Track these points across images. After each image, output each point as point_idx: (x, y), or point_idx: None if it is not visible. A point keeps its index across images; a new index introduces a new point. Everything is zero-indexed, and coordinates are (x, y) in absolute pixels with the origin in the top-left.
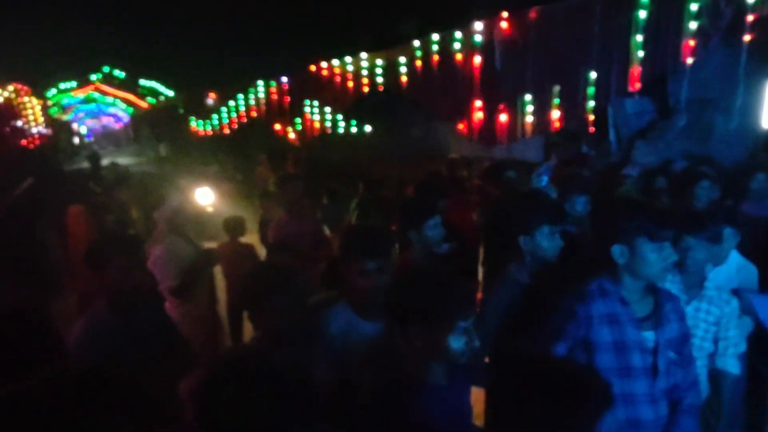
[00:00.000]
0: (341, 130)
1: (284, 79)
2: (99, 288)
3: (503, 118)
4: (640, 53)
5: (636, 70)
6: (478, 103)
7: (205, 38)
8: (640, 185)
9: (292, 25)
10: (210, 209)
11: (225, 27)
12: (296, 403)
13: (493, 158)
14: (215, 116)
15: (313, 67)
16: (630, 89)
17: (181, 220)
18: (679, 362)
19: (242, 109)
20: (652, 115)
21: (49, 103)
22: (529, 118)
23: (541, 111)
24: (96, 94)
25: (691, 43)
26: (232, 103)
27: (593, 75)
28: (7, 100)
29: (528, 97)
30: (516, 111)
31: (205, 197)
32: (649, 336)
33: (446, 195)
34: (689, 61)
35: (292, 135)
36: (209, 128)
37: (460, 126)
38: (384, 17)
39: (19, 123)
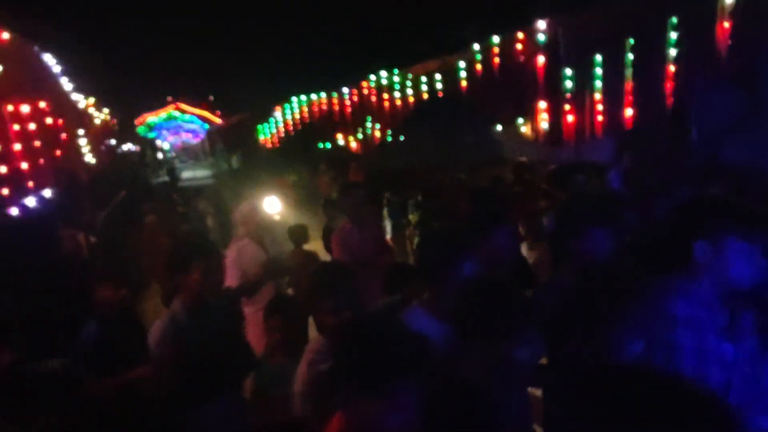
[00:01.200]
0: (401, 138)
1: (345, 90)
2: (178, 290)
3: (570, 118)
4: (726, 41)
5: (722, 59)
6: (543, 104)
7: (272, 54)
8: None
9: (353, 38)
10: (277, 217)
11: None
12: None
13: (559, 161)
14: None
15: (373, 77)
16: (715, 81)
17: (252, 226)
18: (754, 380)
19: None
20: (742, 110)
21: (137, 122)
22: (600, 117)
23: (613, 109)
24: (176, 113)
25: None
26: (295, 114)
27: (672, 68)
28: (103, 122)
29: (597, 95)
30: (584, 110)
31: (272, 206)
32: (727, 348)
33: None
34: None
35: (353, 144)
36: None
37: (524, 128)
38: (443, 24)
39: (113, 142)
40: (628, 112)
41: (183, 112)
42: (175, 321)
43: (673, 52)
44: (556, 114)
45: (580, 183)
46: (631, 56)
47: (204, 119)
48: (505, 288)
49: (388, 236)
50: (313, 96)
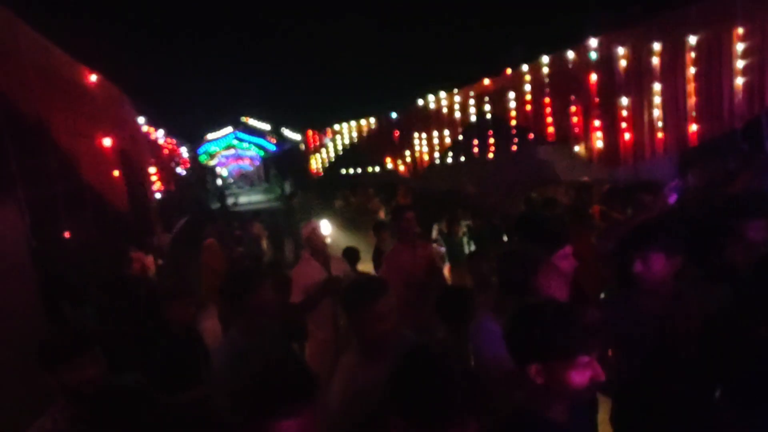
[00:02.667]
0: (450, 161)
1: (393, 114)
2: (238, 312)
3: (627, 136)
4: None
5: None
6: (597, 123)
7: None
8: None
9: (401, 62)
10: (328, 239)
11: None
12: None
13: (614, 180)
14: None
15: (420, 101)
16: None
17: (314, 245)
18: None
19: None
20: None
21: (199, 151)
22: (660, 134)
23: (675, 125)
24: (235, 142)
25: None
26: (345, 140)
27: (740, 80)
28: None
29: (657, 112)
30: (643, 128)
31: (323, 229)
32: None
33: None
34: None
35: (401, 167)
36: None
37: (578, 148)
38: (492, 45)
39: (178, 170)
40: (693, 128)
41: (241, 141)
42: (234, 346)
43: (740, 63)
44: (611, 132)
45: (642, 202)
46: (693, 69)
47: (260, 147)
48: (564, 309)
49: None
50: (363, 121)
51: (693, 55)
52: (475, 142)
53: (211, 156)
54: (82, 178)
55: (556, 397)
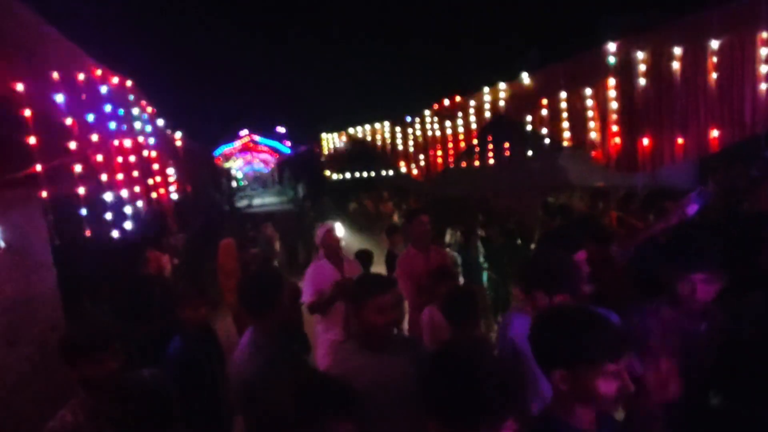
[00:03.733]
0: (464, 164)
1: (408, 118)
2: (253, 317)
3: (645, 141)
4: None
5: None
6: (615, 128)
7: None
8: None
9: (416, 66)
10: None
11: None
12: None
13: (631, 187)
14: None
15: (435, 106)
16: None
17: (327, 247)
18: None
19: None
20: None
21: (215, 153)
22: (680, 140)
23: (696, 131)
24: (250, 144)
25: None
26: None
27: (764, 86)
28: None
29: (677, 116)
30: (662, 133)
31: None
32: None
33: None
34: None
35: (415, 171)
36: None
37: (594, 153)
38: (506, 49)
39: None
40: (714, 133)
41: (256, 144)
42: (260, 351)
43: (764, 68)
44: (629, 137)
45: (663, 210)
46: (715, 75)
47: (274, 149)
48: (586, 314)
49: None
50: (377, 125)
51: (715, 59)
52: (490, 147)
53: (226, 158)
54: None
55: (581, 404)
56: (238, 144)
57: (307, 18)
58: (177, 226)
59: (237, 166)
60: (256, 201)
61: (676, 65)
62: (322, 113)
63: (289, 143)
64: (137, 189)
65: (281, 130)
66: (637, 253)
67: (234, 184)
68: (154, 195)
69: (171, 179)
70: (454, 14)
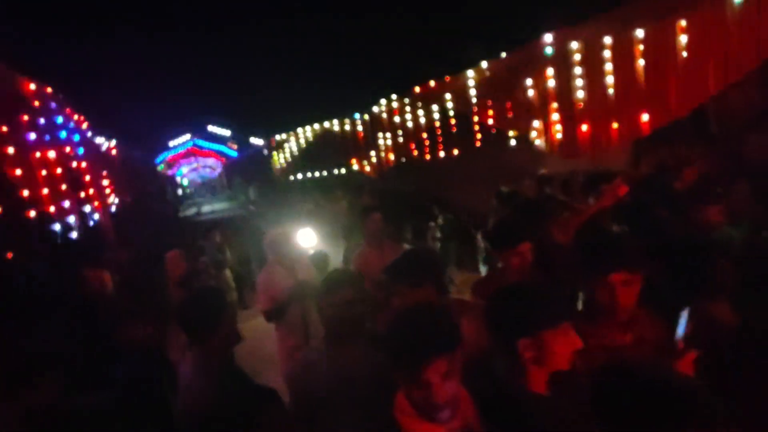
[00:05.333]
0: (416, 158)
1: (357, 115)
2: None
3: (584, 128)
4: (740, 37)
5: (735, 58)
6: (556, 116)
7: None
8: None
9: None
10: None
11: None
12: None
13: (572, 172)
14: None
15: (384, 101)
16: (731, 80)
17: (279, 252)
18: None
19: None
20: (765, 104)
21: (157, 161)
22: (614, 125)
23: (628, 116)
24: (194, 150)
25: None
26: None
27: (685, 71)
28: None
29: (611, 102)
30: (598, 119)
31: (307, 239)
32: None
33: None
34: None
35: (367, 167)
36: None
37: (538, 141)
38: (450, 44)
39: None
40: (644, 117)
41: (200, 148)
42: (211, 379)
43: (684, 54)
44: (569, 124)
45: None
46: (642, 62)
47: (221, 153)
48: (538, 285)
49: None
50: (326, 123)
51: (641, 47)
52: (439, 140)
53: (170, 165)
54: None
55: (540, 368)
56: (181, 150)
57: (251, 19)
58: (118, 239)
59: (182, 173)
60: (205, 208)
61: (607, 54)
62: (270, 114)
63: (236, 146)
64: (66, 203)
65: (227, 133)
66: (575, 239)
67: (180, 191)
68: (87, 208)
69: (107, 191)
70: (400, 12)
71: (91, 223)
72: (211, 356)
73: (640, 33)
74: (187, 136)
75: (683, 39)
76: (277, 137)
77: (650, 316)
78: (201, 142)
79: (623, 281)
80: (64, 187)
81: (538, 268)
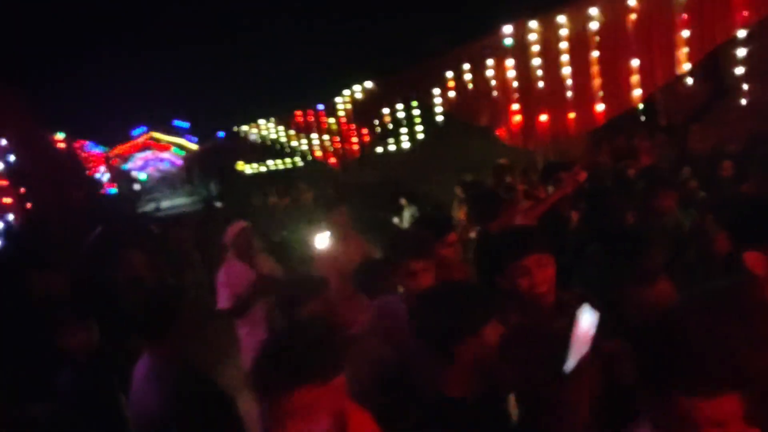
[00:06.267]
0: (380, 150)
1: (320, 106)
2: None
3: (543, 118)
4: (685, 33)
5: (682, 50)
6: (516, 106)
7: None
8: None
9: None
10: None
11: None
12: None
13: (531, 161)
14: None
15: (347, 91)
16: (678, 72)
17: (240, 246)
18: None
19: (283, 138)
20: (708, 97)
21: (110, 154)
22: (571, 115)
23: (584, 106)
24: (150, 143)
25: (742, 15)
26: (272, 134)
27: (636, 62)
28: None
29: (569, 93)
30: (556, 109)
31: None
32: None
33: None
34: (741, 35)
35: (332, 159)
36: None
37: (499, 131)
38: (413, 34)
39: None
40: (599, 107)
41: (158, 141)
42: (166, 382)
43: (635, 46)
44: (528, 114)
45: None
46: (596, 53)
47: (179, 147)
48: (462, 285)
49: None
50: (289, 113)
51: (596, 39)
52: (404, 130)
53: (125, 160)
54: None
55: (476, 371)
56: (137, 141)
57: (210, 8)
58: (66, 238)
59: (138, 167)
60: (165, 203)
61: (563, 45)
62: (232, 105)
63: (197, 138)
64: (7, 200)
65: (187, 124)
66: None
67: (137, 186)
68: (29, 205)
69: (56, 187)
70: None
71: (39, 222)
72: (166, 360)
73: (594, 26)
74: (144, 128)
75: (634, 33)
76: (240, 129)
77: (587, 299)
78: (159, 135)
79: (537, 263)
80: (3, 182)
81: None
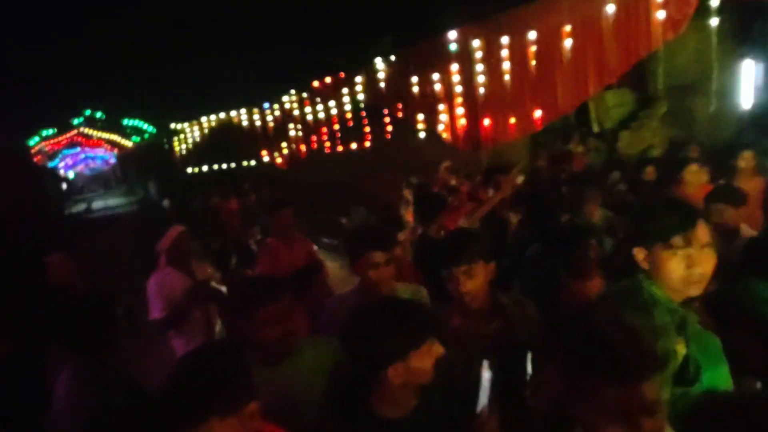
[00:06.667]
0: (327, 151)
1: (266, 105)
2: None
3: (486, 122)
4: (613, 46)
5: (610, 63)
6: (460, 110)
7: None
8: (627, 177)
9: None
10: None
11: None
12: None
13: (473, 163)
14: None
15: (293, 92)
16: (607, 82)
17: (175, 252)
18: None
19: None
20: (634, 106)
21: (33, 151)
22: (512, 120)
23: (523, 112)
24: (80, 139)
25: (661, 31)
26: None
27: (569, 72)
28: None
29: (508, 98)
30: (497, 114)
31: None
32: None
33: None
34: (661, 49)
35: (279, 159)
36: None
37: (444, 134)
38: (360, 36)
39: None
40: (537, 113)
41: (88, 137)
42: (91, 393)
43: (568, 57)
44: (472, 118)
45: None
46: (534, 62)
47: (113, 143)
48: (395, 301)
49: None
50: (233, 112)
51: (533, 48)
52: (351, 131)
53: (51, 157)
54: None
55: (406, 389)
56: (63, 138)
57: (152, 3)
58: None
59: (66, 165)
60: (97, 204)
61: (504, 53)
62: (170, 101)
63: (132, 135)
64: None
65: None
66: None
67: (64, 185)
68: None
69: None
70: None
71: None
72: (93, 371)
73: (532, 35)
74: (72, 123)
75: (568, 43)
76: (178, 126)
77: (521, 302)
78: (89, 131)
79: (466, 273)
80: None
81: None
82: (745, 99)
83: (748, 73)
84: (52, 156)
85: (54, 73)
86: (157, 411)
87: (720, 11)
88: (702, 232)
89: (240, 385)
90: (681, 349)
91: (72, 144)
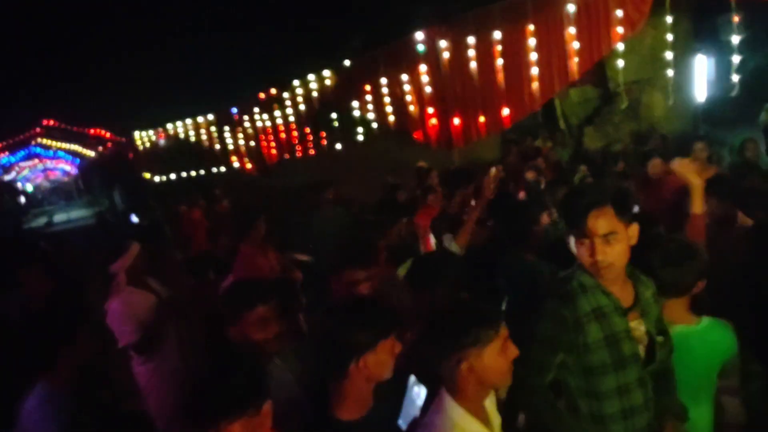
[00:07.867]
0: (299, 155)
1: (234, 109)
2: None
3: (456, 121)
4: (575, 44)
5: (573, 61)
6: (430, 110)
7: (147, 76)
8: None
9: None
10: None
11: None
12: None
13: (451, 163)
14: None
15: (262, 95)
16: (571, 80)
17: (137, 270)
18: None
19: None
20: (597, 102)
21: None
22: (482, 119)
23: (492, 110)
24: (38, 149)
25: (620, 30)
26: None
27: (535, 70)
28: None
29: (477, 98)
30: (467, 113)
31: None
32: (635, 324)
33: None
34: (620, 47)
35: (249, 165)
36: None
37: (417, 134)
38: (329, 37)
39: None
40: (505, 111)
41: (47, 147)
42: (62, 411)
43: (534, 55)
44: (443, 117)
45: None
46: (501, 61)
47: (74, 153)
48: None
49: None
50: (200, 119)
51: (499, 48)
52: (323, 134)
53: (6, 169)
54: None
55: (371, 382)
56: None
57: (116, 11)
58: None
59: (22, 177)
60: (59, 217)
61: (471, 53)
62: (132, 108)
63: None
64: None
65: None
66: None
67: (23, 199)
68: None
69: None
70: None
71: None
72: (60, 389)
73: (497, 34)
74: (28, 133)
75: (532, 42)
76: (143, 133)
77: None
78: (48, 141)
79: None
80: None
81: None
82: (699, 92)
83: (701, 67)
84: (8, 169)
85: (9, 82)
86: (187, 414)
87: (674, 9)
88: (600, 223)
89: (260, 385)
90: (638, 325)
91: (30, 156)
